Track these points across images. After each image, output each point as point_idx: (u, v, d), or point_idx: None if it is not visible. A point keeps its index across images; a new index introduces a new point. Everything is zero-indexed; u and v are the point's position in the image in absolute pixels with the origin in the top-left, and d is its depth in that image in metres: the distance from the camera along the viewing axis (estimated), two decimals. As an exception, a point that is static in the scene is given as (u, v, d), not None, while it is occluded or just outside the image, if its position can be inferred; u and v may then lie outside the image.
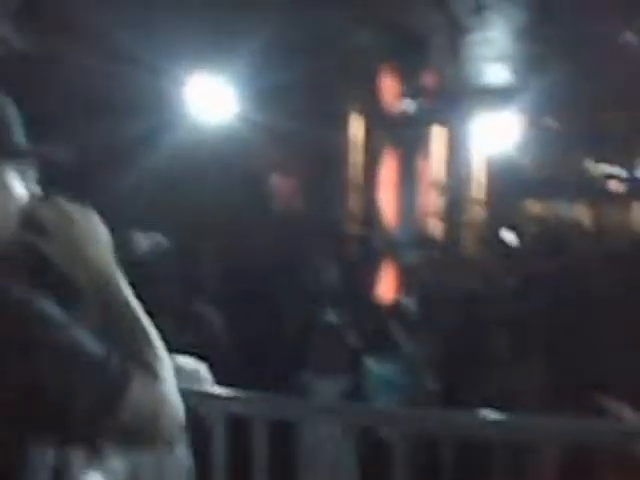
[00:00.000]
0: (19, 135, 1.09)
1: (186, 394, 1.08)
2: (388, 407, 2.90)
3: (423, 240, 7.37)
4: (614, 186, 10.28)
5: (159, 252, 3.57)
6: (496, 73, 7.93)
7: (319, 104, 6.32)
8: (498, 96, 7.91)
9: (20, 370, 0.94)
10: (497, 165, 8.88)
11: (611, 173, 10.27)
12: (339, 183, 7.02)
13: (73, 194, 1.12)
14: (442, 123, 8.13)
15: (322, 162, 6.81)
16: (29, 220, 1.08)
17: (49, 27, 4.34)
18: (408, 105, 7.31)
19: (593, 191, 10.29)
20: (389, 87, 7.22)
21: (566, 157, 10.06)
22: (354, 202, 7.13)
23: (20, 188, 1.09)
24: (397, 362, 3.87)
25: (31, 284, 1.02)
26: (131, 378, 0.99)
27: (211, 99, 5.67)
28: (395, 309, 4.72)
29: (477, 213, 8.78)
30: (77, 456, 1.08)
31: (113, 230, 1.13)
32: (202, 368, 2.33)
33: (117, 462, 1.18)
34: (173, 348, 1.19)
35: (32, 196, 1.10)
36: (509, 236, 9.36)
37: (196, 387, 2.14)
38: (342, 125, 6.97)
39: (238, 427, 2.40)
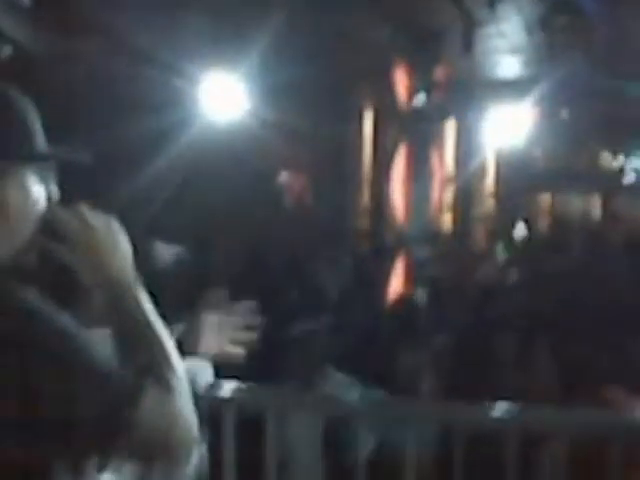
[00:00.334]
0: (39, 138, 1.08)
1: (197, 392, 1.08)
2: (399, 399, 2.93)
3: (435, 235, 7.38)
4: (627, 178, 10.23)
5: (179, 263, 3.57)
6: (509, 66, 7.90)
7: (331, 100, 6.33)
8: (511, 89, 7.88)
9: (19, 374, 0.92)
10: (510, 158, 8.86)
11: (624, 165, 10.21)
12: (351, 179, 7.04)
13: (93, 200, 1.12)
14: (455, 117, 8.12)
15: (334, 158, 6.82)
16: (49, 227, 1.07)
17: (62, 26, 4.39)
18: (421, 100, 7.31)
19: (606, 183, 10.23)
20: (402, 82, 7.23)
21: (579, 149, 10.01)
22: (366, 197, 7.15)
23: (41, 192, 1.07)
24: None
25: (47, 291, 1.01)
26: (145, 391, 0.97)
27: (224, 96, 5.70)
28: (405, 304, 4.74)
29: (489, 206, 8.77)
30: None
31: (134, 239, 1.12)
32: (207, 371, 2.34)
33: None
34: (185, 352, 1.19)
35: (52, 201, 1.09)
36: (521, 229, 9.35)
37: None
38: (354, 120, 6.98)
39: (248, 423, 2.41)
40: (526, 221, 9.68)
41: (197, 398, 1.04)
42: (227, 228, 5.55)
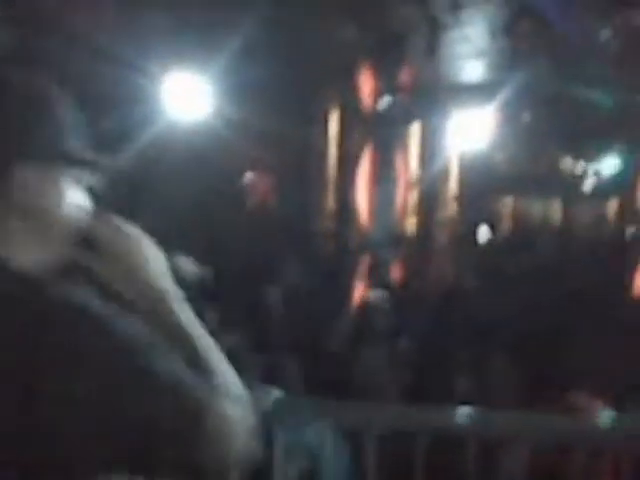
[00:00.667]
0: (74, 139, 1.00)
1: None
2: (362, 404, 2.92)
3: (398, 237, 7.41)
4: (588, 183, 10.40)
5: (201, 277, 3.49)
6: (473, 70, 7.97)
7: (296, 101, 6.32)
8: (475, 93, 7.95)
9: (99, 389, 0.86)
10: (473, 162, 8.94)
11: (585, 170, 10.38)
12: (316, 180, 7.02)
13: (120, 210, 1.07)
14: (419, 120, 8.16)
15: (299, 159, 6.81)
16: (85, 238, 1.02)
17: (22, 24, 4.30)
18: (386, 103, 7.33)
19: (567, 188, 10.39)
20: (367, 84, 7.24)
21: (541, 154, 10.15)
22: (330, 199, 7.15)
23: (75, 200, 1.01)
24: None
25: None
26: (211, 404, 0.90)
27: (187, 96, 5.65)
28: (365, 307, 4.75)
29: (452, 210, 8.83)
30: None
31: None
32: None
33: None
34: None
35: (86, 210, 1.03)
36: (484, 232, 9.44)
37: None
38: (319, 122, 6.97)
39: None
40: (490, 224, 9.79)
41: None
42: (189, 230, 5.49)
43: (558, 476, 2.48)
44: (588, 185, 10.40)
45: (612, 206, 10.24)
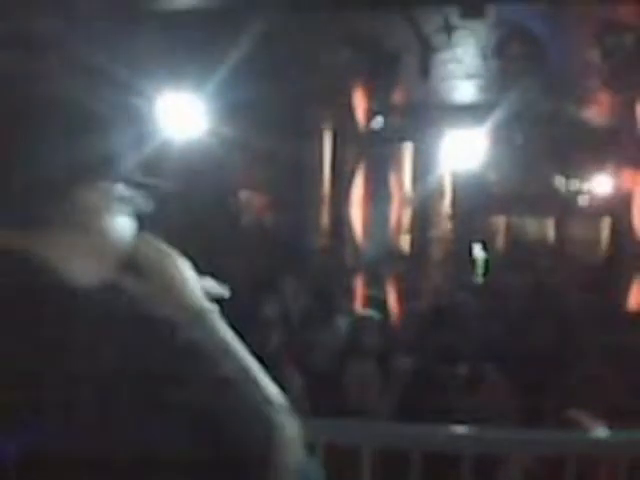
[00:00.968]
0: (129, 159, 1.00)
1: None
2: (356, 422, 2.91)
3: (392, 255, 7.43)
4: (581, 201, 10.45)
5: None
6: (465, 90, 8.04)
7: (290, 120, 6.35)
8: (467, 113, 8.01)
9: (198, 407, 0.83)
10: (466, 181, 8.98)
11: (578, 188, 10.44)
12: (310, 198, 7.05)
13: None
14: (412, 140, 8.22)
15: (293, 178, 6.84)
16: (129, 258, 1.01)
17: (16, 43, 4.32)
18: (379, 122, 7.38)
19: (560, 206, 10.44)
20: (360, 104, 7.29)
21: (533, 173, 10.21)
22: (325, 217, 7.17)
23: (125, 220, 1.00)
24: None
25: None
26: (282, 427, 0.89)
27: (182, 115, 5.68)
28: (357, 324, 4.74)
29: (446, 228, 8.86)
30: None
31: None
32: None
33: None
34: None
35: (132, 230, 1.02)
36: (477, 251, 9.46)
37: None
38: (313, 141, 7.01)
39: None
40: (483, 243, 9.81)
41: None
42: (184, 247, 5.48)
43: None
44: (581, 204, 10.46)
45: (605, 224, 10.29)
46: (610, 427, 2.83)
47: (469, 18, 6.12)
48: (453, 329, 4.88)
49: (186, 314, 1.03)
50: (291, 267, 6.10)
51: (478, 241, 9.69)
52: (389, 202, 7.89)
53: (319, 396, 3.72)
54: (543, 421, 3.16)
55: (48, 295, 0.87)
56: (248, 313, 4.80)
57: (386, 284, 6.81)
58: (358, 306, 6.43)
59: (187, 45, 5.14)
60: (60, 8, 4.24)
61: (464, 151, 7.92)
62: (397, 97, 7.59)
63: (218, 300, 1.07)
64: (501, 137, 8.53)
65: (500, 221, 10.90)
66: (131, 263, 1.03)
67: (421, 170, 8.31)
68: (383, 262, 7.17)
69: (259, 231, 6.93)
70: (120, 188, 0.99)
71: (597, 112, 8.08)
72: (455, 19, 6.29)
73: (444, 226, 8.93)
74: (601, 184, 10.02)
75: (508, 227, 10.92)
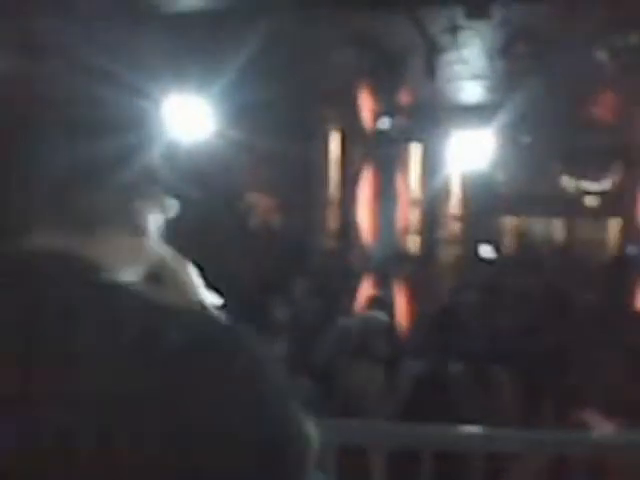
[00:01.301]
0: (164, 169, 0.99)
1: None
2: (366, 421, 2.90)
3: (400, 256, 7.42)
4: (589, 202, 10.42)
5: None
6: (471, 91, 8.03)
7: (297, 122, 6.36)
8: (473, 114, 8.01)
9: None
10: (473, 181, 8.97)
11: (586, 189, 10.41)
12: (317, 200, 7.05)
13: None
14: (419, 140, 8.21)
15: (300, 179, 6.84)
16: (152, 267, 1.00)
17: (18, 45, 4.33)
18: (385, 123, 7.38)
19: (568, 207, 10.41)
20: (366, 105, 7.29)
21: (541, 173, 10.18)
22: (332, 218, 7.16)
23: (153, 236, 0.98)
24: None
25: None
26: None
27: (189, 118, 5.69)
28: (364, 325, 4.73)
29: (453, 229, 8.85)
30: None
31: None
32: None
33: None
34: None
35: (156, 244, 1.00)
36: (486, 251, 9.43)
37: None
38: (320, 142, 7.02)
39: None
40: (491, 244, 9.79)
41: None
42: (192, 250, 5.49)
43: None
44: (589, 204, 10.43)
45: (613, 225, 10.26)
46: (620, 427, 2.81)
47: (474, 18, 6.12)
48: (461, 331, 4.86)
49: None
50: (299, 269, 6.10)
51: (486, 242, 9.67)
52: (396, 203, 7.88)
53: (324, 398, 3.71)
54: (552, 422, 3.14)
55: (96, 296, 0.85)
56: (257, 316, 4.81)
57: (394, 285, 6.79)
58: (365, 308, 6.42)
59: (192, 46, 5.15)
60: (62, 9, 4.25)
61: (471, 152, 7.91)
62: (403, 98, 7.59)
63: (225, 304, 1.07)
64: (508, 137, 8.51)
65: (508, 222, 10.88)
66: (153, 269, 1.02)
67: (428, 171, 8.31)
68: (391, 263, 7.15)
69: (266, 233, 6.93)
70: (153, 190, 0.98)
71: (604, 112, 8.05)
72: (460, 19, 6.28)
73: (452, 227, 8.91)
74: (609, 184, 9.99)
75: (516, 228, 10.89)
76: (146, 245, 0.99)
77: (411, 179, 8.27)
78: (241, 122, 5.57)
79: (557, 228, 10.80)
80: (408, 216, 8.08)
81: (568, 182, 10.44)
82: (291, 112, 6.14)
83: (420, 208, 8.28)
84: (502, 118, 7.32)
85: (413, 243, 8.14)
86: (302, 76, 5.87)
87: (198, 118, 5.69)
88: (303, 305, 5.35)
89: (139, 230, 0.97)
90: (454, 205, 8.96)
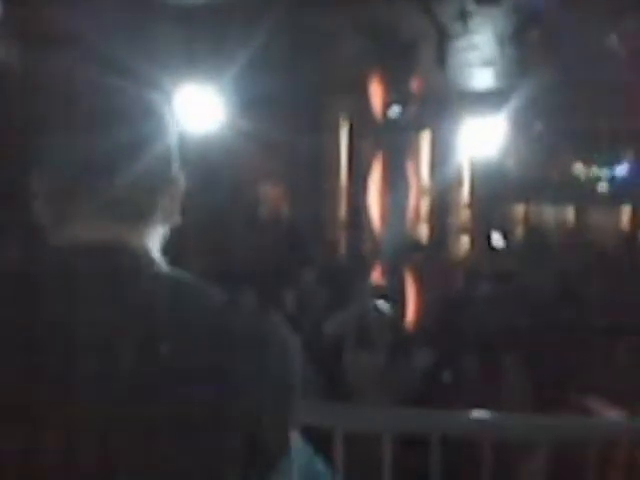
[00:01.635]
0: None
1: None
2: (375, 407, 2.93)
3: (410, 245, 7.42)
4: (601, 188, 10.37)
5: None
6: (482, 78, 8.00)
7: (307, 112, 6.36)
8: (484, 101, 7.97)
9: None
10: (484, 169, 8.94)
11: (598, 175, 10.36)
12: (328, 189, 7.06)
13: None
14: (429, 128, 8.19)
15: (311, 169, 6.85)
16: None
17: (33, 37, 4.36)
18: (396, 111, 7.37)
19: (580, 194, 10.37)
20: (377, 93, 7.28)
21: (552, 160, 10.13)
22: (342, 208, 7.17)
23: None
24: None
25: None
26: None
27: (200, 108, 5.71)
28: (368, 314, 4.75)
29: (464, 217, 8.83)
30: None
31: None
32: None
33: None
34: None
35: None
36: (497, 239, 9.41)
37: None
38: (330, 132, 7.02)
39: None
40: (502, 232, 9.76)
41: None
42: (202, 240, 5.53)
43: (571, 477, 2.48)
44: (601, 191, 10.38)
45: (625, 212, 10.20)
46: (625, 415, 2.82)
47: (485, 4, 6.09)
48: (472, 320, 4.87)
49: None
50: (309, 259, 6.12)
51: (497, 230, 9.65)
52: (407, 192, 7.88)
53: (329, 386, 3.74)
54: (560, 409, 3.15)
55: (147, 284, 0.92)
56: (266, 306, 4.82)
57: (404, 274, 6.80)
58: (370, 297, 6.44)
59: (204, 37, 5.16)
60: (76, 2, 4.28)
61: (482, 139, 7.88)
62: (414, 86, 7.57)
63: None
64: (519, 124, 8.47)
65: (519, 209, 10.84)
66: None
67: (439, 159, 8.29)
68: (401, 252, 7.16)
69: (276, 223, 6.96)
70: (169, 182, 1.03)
71: (616, 97, 8.00)
72: (470, 6, 6.26)
73: (463, 215, 8.90)
74: (621, 171, 9.93)
75: (527, 215, 10.86)
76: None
77: (422, 167, 8.26)
78: (251, 112, 5.58)
79: (569, 215, 10.76)
80: (419, 205, 8.07)
81: (579, 169, 10.39)
82: (301, 102, 6.14)
83: (431, 196, 8.27)
84: (513, 105, 7.29)
85: (424, 232, 8.14)
86: (312, 65, 5.87)
87: (209, 108, 5.71)
88: (311, 294, 5.37)
89: (169, 220, 1.02)
90: (465, 193, 8.94)
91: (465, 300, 5.39)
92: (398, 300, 5.50)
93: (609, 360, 4.16)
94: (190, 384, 0.88)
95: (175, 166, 1.03)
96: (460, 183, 8.88)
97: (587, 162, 10.33)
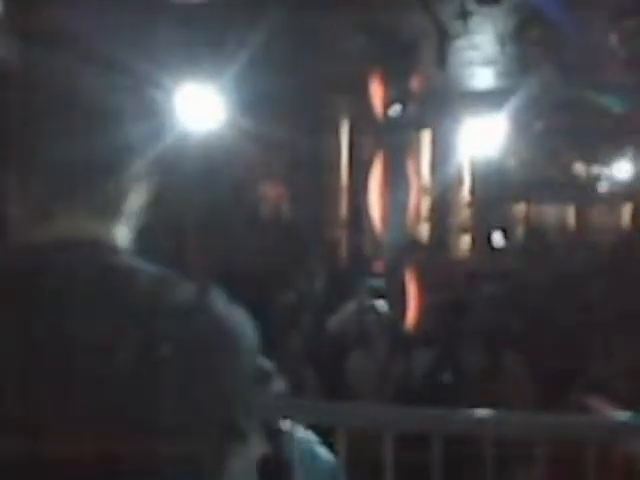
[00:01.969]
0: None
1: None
2: (376, 405, 2.93)
3: (411, 244, 7.42)
4: (601, 188, 10.37)
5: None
6: (483, 77, 8.00)
7: (308, 111, 6.36)
8: (484, 99, 7.97)
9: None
10: (485, 168, 8.95)
11: (598, 175, 10.36)
12: (328, 188, 7.06)
13: None
14: (430, 127, 8.19)
15: (311, 168, 6.85)
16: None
17: (34, 37, 4.35)
18: (396, 110, 7.37)
19: (580, 193, 10.37)
20: (377, 92, 7.28)
21: (553, 160, 10.14)
22: (343, 207, 7.17)
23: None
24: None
25: None
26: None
27: (200, 108, 5.71)
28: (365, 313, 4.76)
29: (465, 216, 8.84)
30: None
31: None
32: None
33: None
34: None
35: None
36: (498, 239, 9.42)
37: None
38: (331, 131, 7.02)
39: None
40: (503, 231, 9.77)
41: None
42: (203, 239, 5.53)
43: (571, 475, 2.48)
44: (601, 190, 10.38)
45: (626, 210, 10.21)
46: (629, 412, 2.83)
47: (485, 3, 6.09)
48: (472, 318, 4.88)
49: None
50: (309, 258, 6.12)
51: (498, 229, 9.65)
52: (407, 191, 7.88)
53: (324, 385, 3.75)
54: (560, 408, 3.16)
55: (121, 279, 0.93)
56: (267, 305, 4.83)
57: (404, 273, 6.80)
58: (368, 297, 6.45)
59: (205, 36, 5.16)
60: (77, 1, 4.28)
61: (483, 138, 7.88)
62: (414, 84, 7.57)
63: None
64: (520, 124, 8.47)
65: (520, 208, 10.85)
66: None
67: (440, 158, 8.29)
68: (401, 251, 7.16)
69: (277, 222, 6.96)
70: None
71: (617, 96, 8.00)
72: (471, 5, 6.25)
73: (463, 214, 8.91)
74: (621, 170, 9.94)
75: (528, 214, 10.86)
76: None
77: (422, 166, 8.26)
78: (252, 111, 5.58)
79: (569, 214, 10.76)
80: (419, 204, 8.07)
81: (580, 168, 10.39)
82: (302, 101, 6.14)
83: (431, 196, 8.27)
84: (514, 104, 7.29)
85: (424, 231, 8.14)
86: (313, 64, 5.87)
87: (210, 108, 5.71)
88: (311, 294, 5.38)
89: (136, 216, 1.03)
90: (465, 192, 8.95)
91: (466, 300, 5.40)
92: (398, 300, 5.51)
93: (610, 359, 4.16)
94: (154, 375, 0.90)
95: (142, 163, 1.03)
96: (461, 182, 8.89)
97: (587, 161, 10.34)
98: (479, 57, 7.41)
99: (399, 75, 7.25)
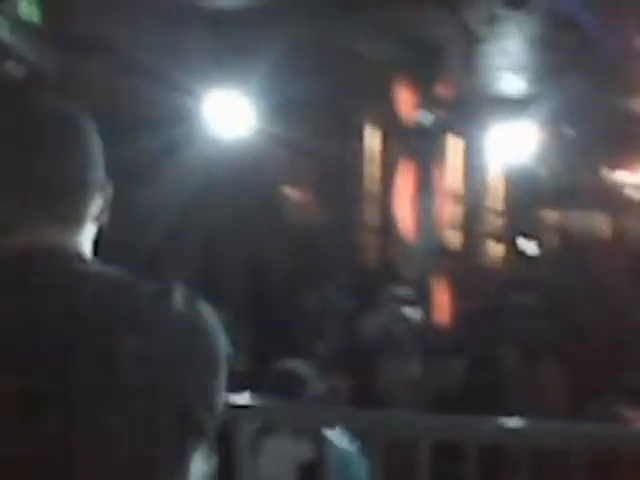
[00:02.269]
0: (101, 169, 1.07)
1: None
2: (412, 412, 2.89)
3: (441, 251, 7.37)
4: (632, 194, 10.22)
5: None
6: (511, 83, 7.94)
7: (335, 117, 6.36)
8: (513, 106, 7.91)
9: None
10: (514, 175, 8.86)
11: (629, 181, 10.22)
12: (355, 195, 7.04)
13: None
14: (458, 133, 8.14)
15: (339, 174, 6.84)
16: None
17: (68, 45, 4.41)
18: (424, 116, 7.33)
19: (611, 200, 10.24)
20: (404, 98, 7.26)
21: (583, 166, 10.02)
22: (370, 213, 7.15)
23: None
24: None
25: None
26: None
27: (228, 114, 5.73)
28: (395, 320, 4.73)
29: (495, 224, 8.75)
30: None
31: None
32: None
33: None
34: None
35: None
36: (528, 246, 9.32)
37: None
38: (358, 137, 7.00)
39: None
40: (535, 239, 9.66)
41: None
42: (231, 244, 5.54)
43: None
44: (635, 197, 10.23)
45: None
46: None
47: (513, 8, 6.05)
48: (505, 326, 4.82)
49: None
50: (336, 265, 6.10)
51: (529, 237, 9.55)
52: (436, 198, 7.83)
53: (360, 393, 3.73)
54: (595, 417, 3.10)
55: (86, 286, 0.96)
56: (294, 311, 4.82)
57: (434, 281, 6.75)
58: (399, 305, 6.40)
59: (234, 43, 5.18)
60: (110, 10, 4.32)
61: (513, 145, 7.81)
62: (442, 90, 7.53)
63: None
64: (551, 130, 8.39)
65: (552, 216, 10.72)
66: None
67: (469, 164, 8.23)
68: (431, 259, 7.11)
69: (304, 228, 6.96)
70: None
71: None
72: (499, 10, 6.21)
73: (494, 222, 8.82)
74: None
75: (560, 222, 10.73)
76: None
77: (451, 173, 8.20)
78: (279, 117, 5.60)
79: (602, 222, 10.61)
80: (448, 211, 8.02)
81: (611, 175, 10.25)
82: (330, 107, 6.14)
83: (461, 203, 8.21)
84: (544, 110, 7.22)
85: (454, 238, 8.07)
86: (341, 71, 5.87)
87: (238, 114, 5.73)
88: (339, 300, 5.36)
89: (98, 220, 1.05)
90: (495, 199, 8.87)
91: (497, 306, 5.34)
92: (428, 307, 5.46)
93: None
94: (120, 370, 0.93)
95: (102, 169, 1.06)
96: (490, 189, 8.81)
97: (618, 168, 10.20)
98: (507, 62, 7.35)
99: (426, 81, 7.23)
